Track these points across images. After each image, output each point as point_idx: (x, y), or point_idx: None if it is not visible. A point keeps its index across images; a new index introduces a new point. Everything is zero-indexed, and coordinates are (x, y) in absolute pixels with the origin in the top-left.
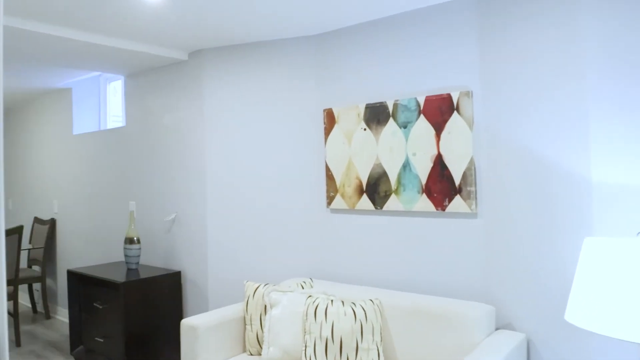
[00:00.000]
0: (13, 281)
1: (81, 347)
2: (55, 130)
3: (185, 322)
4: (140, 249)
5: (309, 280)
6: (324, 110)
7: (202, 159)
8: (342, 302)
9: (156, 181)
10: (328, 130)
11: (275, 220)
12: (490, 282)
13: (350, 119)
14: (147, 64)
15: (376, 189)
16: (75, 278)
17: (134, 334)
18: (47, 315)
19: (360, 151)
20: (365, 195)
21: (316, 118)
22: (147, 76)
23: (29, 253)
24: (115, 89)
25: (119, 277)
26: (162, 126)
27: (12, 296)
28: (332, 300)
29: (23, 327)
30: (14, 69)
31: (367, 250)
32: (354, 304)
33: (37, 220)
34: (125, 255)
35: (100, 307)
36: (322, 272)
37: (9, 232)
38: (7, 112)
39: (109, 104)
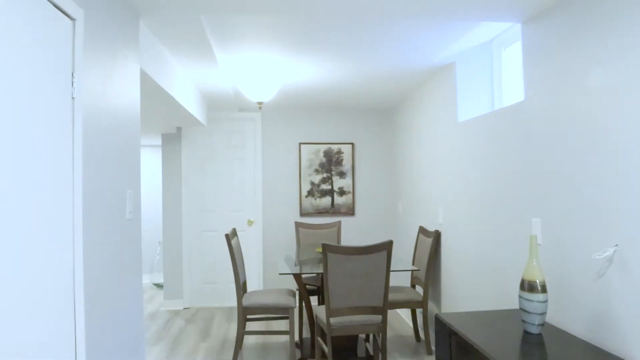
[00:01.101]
0: (380, 309)
1: None
2: (438, 119)
3: None
4: (546, 301)
5: None
6: None
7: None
8: None
9: (575, 184)
10: None
11: None
12: None
13: None
14: None
15: None
16: (445, 328)
17: None
18: (429, 350)
19: None
20: None
21: None
22: (552, 17)
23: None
24: (513, 56)
25: (501, 351)
26: (584, 92)
27: (382, 328)
28: None
29: None
30: (386, 47)
31: None
32: None
33: (421, 230)
34: (522, 309)
35: None
36: None
37: (376, 248)
38: (392, 107)
39: (504, 77)
